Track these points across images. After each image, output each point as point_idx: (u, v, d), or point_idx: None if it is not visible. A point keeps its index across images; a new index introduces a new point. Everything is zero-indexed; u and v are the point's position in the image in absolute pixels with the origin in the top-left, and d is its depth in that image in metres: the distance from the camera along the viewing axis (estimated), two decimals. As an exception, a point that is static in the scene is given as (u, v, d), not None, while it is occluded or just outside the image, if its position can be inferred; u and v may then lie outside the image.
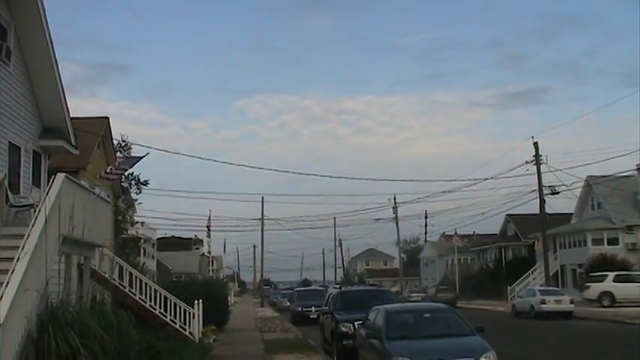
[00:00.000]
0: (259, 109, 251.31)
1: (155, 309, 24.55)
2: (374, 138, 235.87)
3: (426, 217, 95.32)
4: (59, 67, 18.91)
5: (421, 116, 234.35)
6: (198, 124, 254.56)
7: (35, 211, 14.46)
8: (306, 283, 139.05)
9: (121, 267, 24.76)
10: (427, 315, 15.29)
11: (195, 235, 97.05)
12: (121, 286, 24.04)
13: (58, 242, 14.08)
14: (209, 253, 72.61)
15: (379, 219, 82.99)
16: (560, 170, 50.85)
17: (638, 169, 54.22)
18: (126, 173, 24.25)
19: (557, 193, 51.25)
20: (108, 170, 24.01)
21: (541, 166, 49.83)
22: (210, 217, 64.71)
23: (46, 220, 13.19)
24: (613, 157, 67.64)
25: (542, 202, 50.19)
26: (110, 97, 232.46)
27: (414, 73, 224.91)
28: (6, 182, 16.34)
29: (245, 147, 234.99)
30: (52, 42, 18.12)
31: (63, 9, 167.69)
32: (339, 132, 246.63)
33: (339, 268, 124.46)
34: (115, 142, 32.19)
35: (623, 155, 70.31)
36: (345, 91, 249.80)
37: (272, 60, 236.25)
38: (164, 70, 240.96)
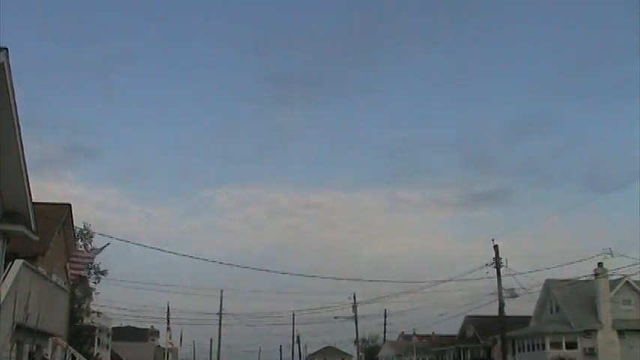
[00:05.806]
0: (225, 200, 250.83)
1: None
2: (339, 234, 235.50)
3: (385, 317, 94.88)
4: (24, 151, 18.81)
5: (386, 214, 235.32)
6: (162, 212, 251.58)
7: (-10, 297, 14.17)
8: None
9: (73, 357, 24.15)
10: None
11: (152, 326, 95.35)
12: (72, 378, 23.39)
13: (11, 330, 13.78)
14: (171, 344, 71.89)
15: (337, 317, 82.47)
16: (521, 274, 51.18)
17: (595, 274, 54.87)
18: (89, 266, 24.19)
19: (517, 296, 51.42)
20: (72, 267, 23.61)
21: (501, 269, 50.15)
22: (168, 309, 64.43)
23: (0, 308, 12.93)
24: (572, 262, 68.93)
25: (502, 305, 50.33)
26: (75, 180, 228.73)
27: (381, 170, 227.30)
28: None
29: (209, 237, 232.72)
30: (19, 127, 18.02)
31: (32, 87, 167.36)
32: (305, 226, 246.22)
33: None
34: (78, 229, 31.93)
35: (582, 260, 71.34)
36: (312, 185, 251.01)
37: (240, 150, 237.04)
38: (131, 155, 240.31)
